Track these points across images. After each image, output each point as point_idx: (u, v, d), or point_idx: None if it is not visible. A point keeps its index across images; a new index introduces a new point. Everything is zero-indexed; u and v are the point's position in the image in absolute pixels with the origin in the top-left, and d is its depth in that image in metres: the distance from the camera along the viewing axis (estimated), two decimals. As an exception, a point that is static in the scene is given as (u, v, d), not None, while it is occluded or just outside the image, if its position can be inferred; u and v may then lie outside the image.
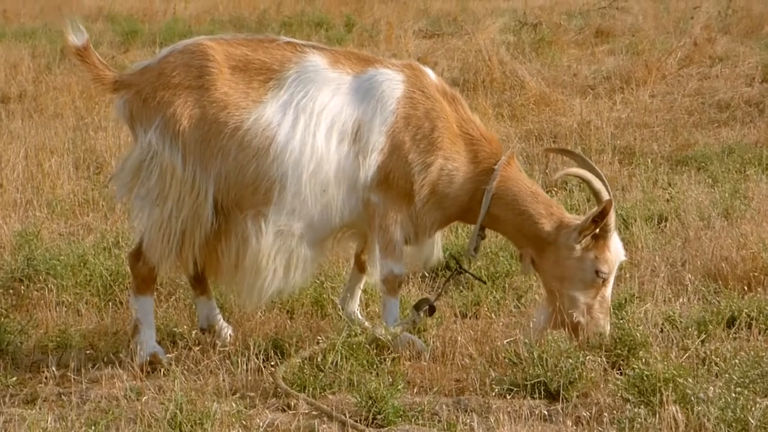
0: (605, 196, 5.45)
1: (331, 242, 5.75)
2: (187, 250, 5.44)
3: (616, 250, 5.51)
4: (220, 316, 5.85)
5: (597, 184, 5.51)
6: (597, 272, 5.43)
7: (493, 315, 6.06)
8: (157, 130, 5.38)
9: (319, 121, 5.43)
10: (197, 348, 5.55)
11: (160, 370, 5.38)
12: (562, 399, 5.03)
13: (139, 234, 5.56)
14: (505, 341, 5.60)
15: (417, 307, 5.72)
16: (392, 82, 5.56)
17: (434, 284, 6.49)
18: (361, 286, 6.03)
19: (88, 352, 5.64)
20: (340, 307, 5.91)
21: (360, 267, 5.96)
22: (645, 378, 4.92)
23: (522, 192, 5.58)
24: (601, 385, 5.15)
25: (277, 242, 5.44)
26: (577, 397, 5.06)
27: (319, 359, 5.25)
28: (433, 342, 5.63)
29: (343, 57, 5.64)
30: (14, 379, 5.33)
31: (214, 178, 5.41)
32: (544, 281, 5.64)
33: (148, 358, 5.47)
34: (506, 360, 5.35)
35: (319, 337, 5.40)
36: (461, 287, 6.49)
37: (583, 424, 4.85)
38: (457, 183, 5.58)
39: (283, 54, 5.56)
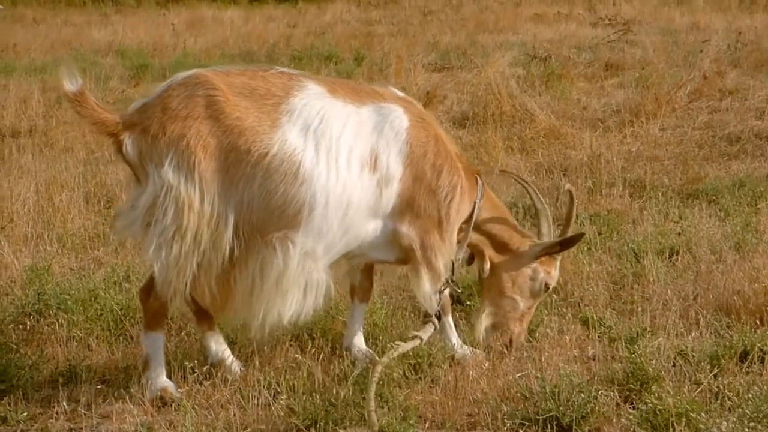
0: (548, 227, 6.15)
1: (339, 269, 5.82)
2: (203, 282, 5.39)
3: (557, 270, 6.19)
4: (228, 351, 5.83)
5: (548, 220, 6.17)
6: (547, 286, 6.11)
7: (504, 349, 6.04)
8: (171, 164, 5.29)
9: (338, 147, 5.46)
10: (208, 382, 5.54)
11: (171, 405, 5.37)
12: (575, 434, 5.02)
13: (151, 270, 5.50)
14: (516, 375, 5.59)
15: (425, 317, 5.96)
16: (396, 113, 5.67)
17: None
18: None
19: (98, 386, 5.62)
20: (345, 345, 5.98)
21: (361, 296, 6.06)
22: (658, 412, 4.92)
23: (497, 203, 6.20)
24: (614, 420, 5.13)
25: (301, 264, 5.46)
26: (590, 431, 5.04)
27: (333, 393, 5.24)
28: (444, 377, 5.61)
29: (337, 85, 5.71)
30: (25, 414, 5.32)
31: (235, 206, 5.36)
32: (492, 284, 6.06)
33: (159, 393, 5.45)
34: (518, 394, 5.34)
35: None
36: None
37: (596, 459, 4.84)
38: (466, 199, 5.88)
39: (282, 81, 5.55)
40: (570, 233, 6.09)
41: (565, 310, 6.58)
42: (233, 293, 5.48)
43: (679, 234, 7.85)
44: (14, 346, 6.04)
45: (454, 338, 6.00)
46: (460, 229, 5.94)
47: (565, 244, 6.06)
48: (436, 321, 5.87)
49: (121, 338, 6.26)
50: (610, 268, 7.17)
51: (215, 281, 5.42)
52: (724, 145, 11.05)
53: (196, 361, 5.61)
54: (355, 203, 5.49)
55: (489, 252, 6.04)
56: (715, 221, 8.26)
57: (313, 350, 5.82)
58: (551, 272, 6.10)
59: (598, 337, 6.17)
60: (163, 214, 5.29)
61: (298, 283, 5.48)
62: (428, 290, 5.78)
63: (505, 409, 5.23)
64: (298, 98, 5.49)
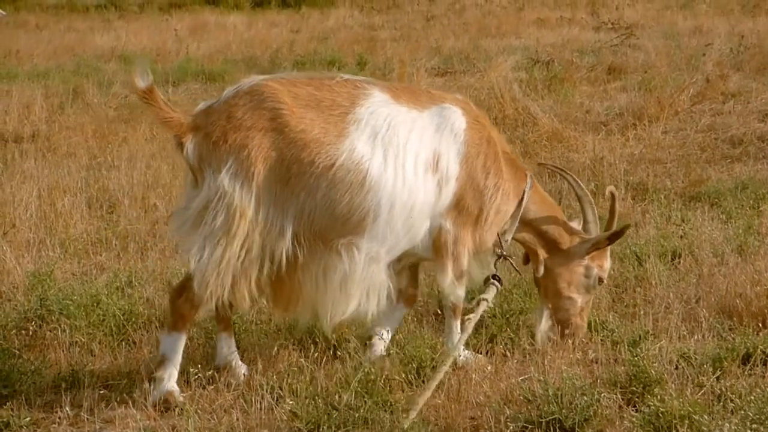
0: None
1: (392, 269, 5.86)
2: (243, 286, 5.43)
3: (609, 260, 6.30)
4: (237, 354, 5.84)
5: (592, 206, 6.31)
6: (600, 279, 6.23)
7: (507, 352, 6.04)
8: (229, 172, 5.35)
9: (405, 152, 5.58)
10: (211, 387, 5.54)
11: (174, 410, 5.37)
12: (578, 437, 5.01)
13: (192, 270, 5.48)
14: (519, 378, 5.59)
15: (485, 281, 6.12)
16: (456, 114, 5.81)
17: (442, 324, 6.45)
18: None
19: (101, 392, 5.63)
20: (372, 331, 6.05)
21: (406, 300, 6.11)
22: (660, 415, 4.92)
23: (546, 199, 6.29)
24: (617, 423, 5.14)
25: (366, 268, 5.57)
26: (593, 434, 5.05)
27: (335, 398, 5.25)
28: (448, 380, 5.61)
29: (399, 91, 5.82)
30: (28, 419, 5.33)
31: (294, 216, 5.43)
32: (548, 286, 6.18)
33: (164, 397, 5.46)
34: (521, 397, 5.34)
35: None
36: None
37: (598, 462, 4.83)
38: (511, 199, 6.02)
39: (347, 90, 5.63)
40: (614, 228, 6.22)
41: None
42: (296, 296, 5.58)
43: (681, 237, 7.84)
44: (17, 352, 6.03)
45: (460, 344, 5.95)
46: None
47: (613, 237, 6.16)
48: (497, 283, 6.07)
49: (123, 343, 6.27)
50: (612, 271, 7.14)
51: (271, 285, 5.53)
52: (726, 148, 11.04)
53: (199, 366, 5.61)
54: (418, 205, 5.63)
55: (542, 252, 6.17)
56: (718, 224, 8.25)
57: (316, 354, 5.82)
58: (603, 265, 6.22)
59: (601, 340, 6.17)
60: (213, 217, 5.36)
61: (363, 286, 5.61)
62: (450, 281, 5.87)
63: (508, 413, 5.23)
64: (364, 107, 5.58)
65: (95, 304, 6.46)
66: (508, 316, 6.47)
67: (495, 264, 6.12)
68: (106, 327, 6.32)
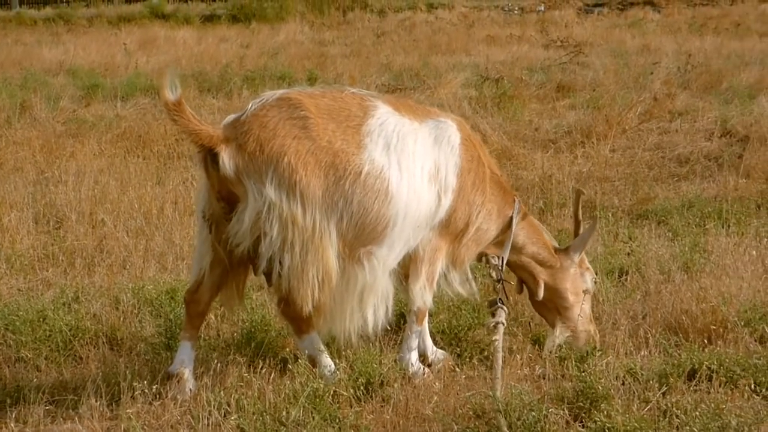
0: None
1: None
2: (307, 289, 5.52)
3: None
4: (192, 367, 5.79)
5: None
6: (593, 281, 6.49)
7: (455, 368, 6.06)
8: (272, 181, 5.40)
9: (415, 162, 5.70)
10: (158, 403, 5.51)
11: (120, 426, 5.33)
12: (525, 452, 5.03)
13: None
14: (467, 394, 5.59)
15: (491, 305, 6.27)
16: (452, 129, 5.96)
17: (397, 336, 6.45)
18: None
19: (47, 407, 5.58)
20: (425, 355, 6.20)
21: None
22: (607, 430, 4.95)
23: (532, 223, 6.41)
24: (564, 438, 5.15)
25: (381, 277, 5.68)
26: (540, 450, 5.06)
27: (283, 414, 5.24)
28: (396, 395, 5.61)
29: (398, 104, 5.92)
30: (-28, 435, 5.28)
31: (336, 223, 5.51)
32: (554, 302, 6.33)
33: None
34: (470, 412, 5.34)
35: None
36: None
37: (545, 478, 4.84)
38: (494, 219, 6.14)
39: (357, 102, 5.74)
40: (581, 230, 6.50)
41: (516, 329, 6.61)
42: (324, 304, 5.63)
43: (628, 254, 7.89)
44: (-39, 367, 5.98)
45: (414, 353, 6.04)
46: (489, 248, 6.25)
47: (591, 232, 6.47)
48: (503, 306, 6.22)
49: (70, 359, 6.23)
50: (560, 288, 7.19)
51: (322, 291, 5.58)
52: (673, 166, 11.15)
53: (145, 381, 5.58)
54: (424, 214, 5.75)
55: (540, 274, 6.32)
56: (664, 241, 8.32)
57: (264, 369, 5.80)
58: (588, 265, 6.49)
59: (549, 355, 6.19)
60: (270, 227, 5.44)
61: (377, 295, 5.72)
62: (421, 286, 5.94)
63: (456, 428, 5.24)
64: (375, 118, 5.69)
65: (41, 320, 6.41)
66: (456, 331, 6.49)
67: (495, 288, 6.29)
68: (53, 342, 6.28)
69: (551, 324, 6.38)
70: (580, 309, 6.35)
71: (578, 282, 6.38)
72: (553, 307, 6.36)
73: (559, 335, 6.27)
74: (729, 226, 8.63)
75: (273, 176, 5.41)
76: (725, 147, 11.69)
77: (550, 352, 6.20)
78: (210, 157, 5.49)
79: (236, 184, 5.47)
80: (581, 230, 6.48)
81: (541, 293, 6.29)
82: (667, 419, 5.24)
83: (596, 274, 7.16)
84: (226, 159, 5.43)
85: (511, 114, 13.48)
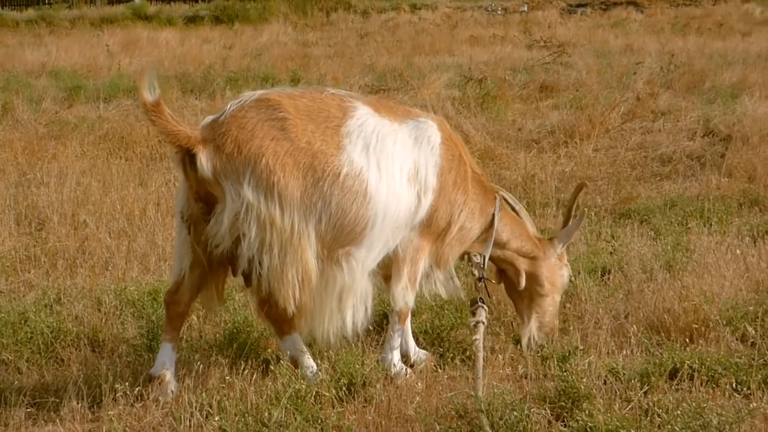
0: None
1: None
2: (289, 289, 5.52)
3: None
4: (173, 369, 5.78)
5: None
6: (569, 278, 6.59)
7: (438, 368, 6.06)
8: (250, 183, 5.39)
9: (394, 163, 5.70)
10: (139, 404, 5.49)
11: (102, 428, 5.31)
12: (507, 452, 5.03)
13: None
14: (450, 394, 5.59)
15: (472, 304, 6.30)
16: (432, 129, 5.96)
17: (380, 337, 6.45)
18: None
19: (28, 410, 5.57)
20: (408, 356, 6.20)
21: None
22: (589, 430, 4.95)
23: (514, 218, 6.41)
24: (546, 438, 5.16)
25: (360, 278, 5.68)
26: (522, 449, 5.06)
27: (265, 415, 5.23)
28: (378, 396, 5.61)
29: (378, 105, 5.92)
30: (-48, 438, 5.26)
31: (315, 225, 5.50)
32: (532, 291, 6.36)
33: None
34: (452, 412, 5.34)
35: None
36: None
37: (527, 477, 4.84)
38: (476, 218, 6.15)
39: (337, 103, 5.73)
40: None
41: (498, 329, 6.62)
42: (306, 305, 5.63)
43: (611, 253, 7.91)
44: (-58, 370, 5.96)
45: (396, 353, 6.04)
46: (474, 246, 6.26)
47: (573, 230, 6.54)
48: (483, 304, 6.24)
49: (51, 361, 6.21)
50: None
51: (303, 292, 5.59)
52: (656, 166, 11.17)
53: (127, 383, 5.56)
54: (403, 215, 5.75)
55: (522, 264, 6.36)
56: (647, 240, 8.34)
57: (246, 371, 5.79)
58: (566, 263, 6.56)
59: (531, 355, 6.20)
60: (248, 228, 5.43)
61: (356, 296, 5.71)
62: (403, 287, 5.95)
63: (439, 428, 5.23)
64: (354, 119, 5.68)
65: (23, 322, 6.39)
66: (438, 331, 6.49)
67: (476, 286, 6.30)
68: (34, 344, 6.26)
69: (519, 312, 6.43)
70: (552, 300, 6.40)
71: (556, 273, 6.43)
72: (527, 294, 6.39)
73: (533, 329, 6.31)
74: (711, 225, 8.66)
75: (251, 177, 5.39)
76: (708, 146, 11.73)
77: (528, 348, 6.25)
78: (188, 158, 5.47)
79: (214, 185, 5.46)
80: (571, 220, 6.54)
81: (523, 283, 6.33)
82: (648, 418, 5.24)
83: (579, 273, 7.20)
84: (204, 160, 5.42)
85: (494, 114, 13.49)
